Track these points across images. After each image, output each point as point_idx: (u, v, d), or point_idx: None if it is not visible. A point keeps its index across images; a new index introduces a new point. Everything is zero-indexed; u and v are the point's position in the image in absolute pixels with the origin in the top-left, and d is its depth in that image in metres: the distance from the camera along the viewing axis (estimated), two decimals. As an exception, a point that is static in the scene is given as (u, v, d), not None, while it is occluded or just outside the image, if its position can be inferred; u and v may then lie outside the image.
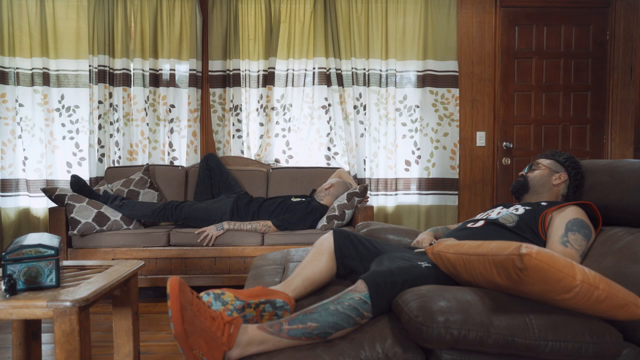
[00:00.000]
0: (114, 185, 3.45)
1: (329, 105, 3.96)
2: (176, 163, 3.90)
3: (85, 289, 1.52)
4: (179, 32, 3.82)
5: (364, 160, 3.97)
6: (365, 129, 3.97)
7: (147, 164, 3.72)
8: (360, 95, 3.94)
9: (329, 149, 3.99)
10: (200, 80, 3.92)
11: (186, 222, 3.22)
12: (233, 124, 3.90)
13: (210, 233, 3.07)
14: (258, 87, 3.92)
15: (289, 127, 3.96)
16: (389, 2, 3.93)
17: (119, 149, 3.83)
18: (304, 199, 3.32)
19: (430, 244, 1.85)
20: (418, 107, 4.01)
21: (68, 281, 1.64)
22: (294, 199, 3.32)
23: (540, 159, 2.04)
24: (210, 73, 3.91)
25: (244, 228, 3.11)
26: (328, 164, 3.99)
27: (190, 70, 3.83)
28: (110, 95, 3.80)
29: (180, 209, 3.21)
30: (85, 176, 3.80)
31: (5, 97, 3.75)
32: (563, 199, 1.95)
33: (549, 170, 1.96)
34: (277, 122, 3.95)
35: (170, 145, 3.89)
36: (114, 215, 3.14)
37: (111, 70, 3.79)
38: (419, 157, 4.03)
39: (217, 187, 3.45)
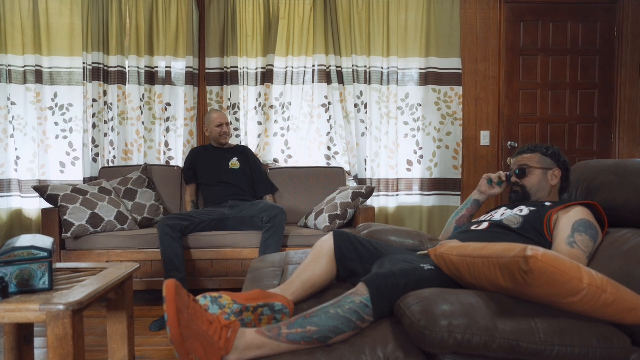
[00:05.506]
0: (111, 183, 3.36)
1: (329, 103, 3.88)
2: (172, 163, 3.83)
3: (79, 292, 1.49)
4: (175, 28, 3.74)
5: (365, 160, 3.88)
6: (366, 128, 3.88)
7: (145, 163, 3.66)
8: (361, 93, 3.86)
9: (329, 148, 3.91)
10: (197, 78, 3.85)
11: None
12: (231, 123, 3.82)
13: None
14: (256, 85, 3.84)
15: (288, 126, 3.88)
16: (390, -3, 3.86)
17: (114, 149, 3.76)
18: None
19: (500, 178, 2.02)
20: (420, 105, 3.93)
21: (61, 284, 1.61)
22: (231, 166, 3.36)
23: (524, 155, 1.97)
24: (207, 71, 3.83)
25: None
26: (328, 163, 3.91)
27: (186, 67, 3.76)
28: (105, 93, 3.73)
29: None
30: (79, 176, 3.73)
31: (-3, 95, 3.68)
32: (559, 193, 1.95)
33: (542, 171, 1.91)
34: (275, 121, 3.86)
35: (167, 144, 3.81)
36: (108, 216, 3.07)
37: (106, 68, 3.72)
38: (421, 157, 3.95)
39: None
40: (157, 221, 3.00)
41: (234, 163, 3.35)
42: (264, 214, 2.97)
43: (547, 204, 1.79)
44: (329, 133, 3.91)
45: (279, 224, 2.92)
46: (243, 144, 3.84)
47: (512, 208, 1.88)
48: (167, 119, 3.80)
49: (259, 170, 3.46)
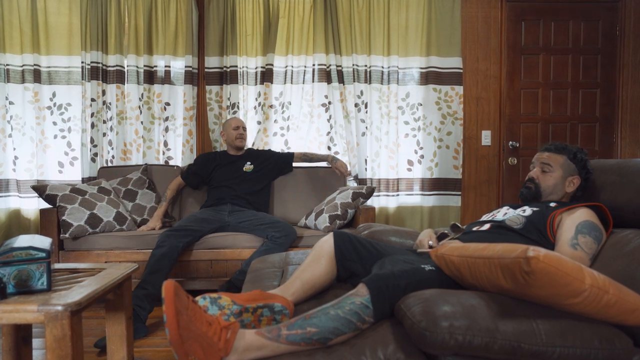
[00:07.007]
0: (110, 183, 3.33)
1: (329, 103, 3.86)
2: (171, 163, 3.81)
3: (77, 292, 1.47)
4: (175, 27, 3.72)
5: (365, 160, 3.86)
6: (366, 127, 3.86)
7: (146, 163, 3.63)
8: (361, 92, 3.84)
9: (329, 148, 3.89)
10: (196, 78, 3.82)
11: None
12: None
13: None
14: (256, 84, 3.82)
15: (288, 125, 3.86)
16: (391, -4, 3.84)
17: (113, 148, 3.73)
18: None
19: (430, 245, 1.79)
20: (421, 105, 3.91)
21: (60, 285, 1.60)
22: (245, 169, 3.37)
23: (550, 153, 1.91)
24: (206, 70, 3.81)
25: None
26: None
27: (185, 67, 3.73)
28: (104, 92, 3.70)
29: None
30: (78, 176, 3.71)
31: (-5, 94, 3.66)
32: (570, 199, 1.90)
33: (561, 176, 1.86)
34: (275, 121, 3.84)
35: (166, 144, 3.79)
36: (107, 216, 3.04)
37: (104, 67, 3.69)
38: (422, 156, 3.93)
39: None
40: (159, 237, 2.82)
41: (248, 167, 3.34)
42: (272, 230, 2.91)
43: (552, 204, 1.77)
44: (329, 133, 3.88)
45: (288, 242, 2.90)
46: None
47: (515, 208, 1.86)
48: (166, 119, 3.78)
49: (274, 153, 3.55)
